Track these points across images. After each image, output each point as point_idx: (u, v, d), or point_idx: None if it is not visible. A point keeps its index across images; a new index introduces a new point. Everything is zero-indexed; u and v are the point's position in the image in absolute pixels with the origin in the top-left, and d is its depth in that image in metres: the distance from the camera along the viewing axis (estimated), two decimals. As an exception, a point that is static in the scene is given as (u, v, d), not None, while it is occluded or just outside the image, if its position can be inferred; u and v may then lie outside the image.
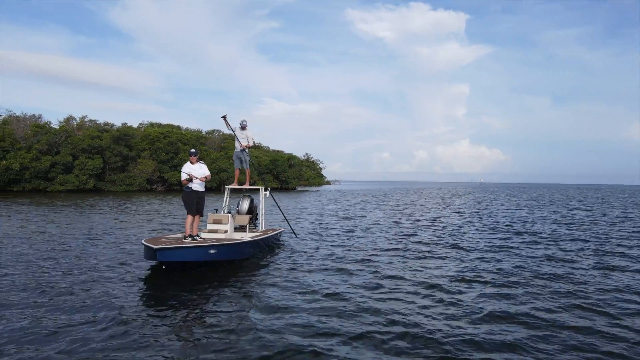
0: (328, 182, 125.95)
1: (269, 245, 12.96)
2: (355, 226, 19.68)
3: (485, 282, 9.15)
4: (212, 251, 9.86)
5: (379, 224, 20.81)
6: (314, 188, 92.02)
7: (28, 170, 46.78)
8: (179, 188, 59.91)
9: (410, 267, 10.61)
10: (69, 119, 59.98)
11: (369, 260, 11.44)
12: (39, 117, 57.63)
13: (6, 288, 8.06)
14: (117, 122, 75.89)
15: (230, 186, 13.93)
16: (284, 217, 16.63)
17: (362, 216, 25.24)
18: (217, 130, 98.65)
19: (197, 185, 10.41)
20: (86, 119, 61.86)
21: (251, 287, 8.63)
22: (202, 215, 10.78)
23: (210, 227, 11.82)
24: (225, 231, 11.65)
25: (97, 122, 62.59)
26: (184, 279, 9.12)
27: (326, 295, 8.03)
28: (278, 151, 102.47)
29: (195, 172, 10.37)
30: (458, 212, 28.78)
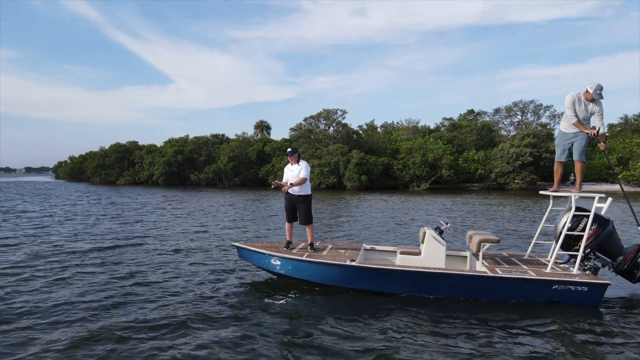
0: None
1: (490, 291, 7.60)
2: None
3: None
4: (275, 262, 8.72)
5: None
6: None
7: None
8: None
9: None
10: None
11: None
12: None
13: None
14: None
15: (545, 192, 8.66)
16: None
17: None
18: None
19: (294, 189, 8.89)
20: None
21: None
22: (306, 224, 9.08)
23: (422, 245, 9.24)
24: (417, 253, 8.64)
25: None
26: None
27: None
28: None
29: (291, 174, 9.04)
30: None
